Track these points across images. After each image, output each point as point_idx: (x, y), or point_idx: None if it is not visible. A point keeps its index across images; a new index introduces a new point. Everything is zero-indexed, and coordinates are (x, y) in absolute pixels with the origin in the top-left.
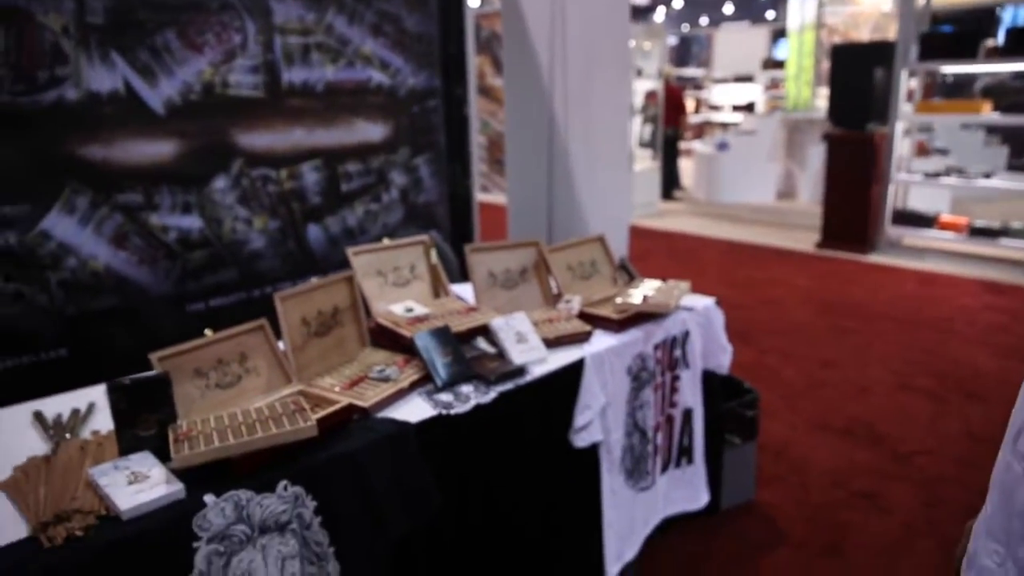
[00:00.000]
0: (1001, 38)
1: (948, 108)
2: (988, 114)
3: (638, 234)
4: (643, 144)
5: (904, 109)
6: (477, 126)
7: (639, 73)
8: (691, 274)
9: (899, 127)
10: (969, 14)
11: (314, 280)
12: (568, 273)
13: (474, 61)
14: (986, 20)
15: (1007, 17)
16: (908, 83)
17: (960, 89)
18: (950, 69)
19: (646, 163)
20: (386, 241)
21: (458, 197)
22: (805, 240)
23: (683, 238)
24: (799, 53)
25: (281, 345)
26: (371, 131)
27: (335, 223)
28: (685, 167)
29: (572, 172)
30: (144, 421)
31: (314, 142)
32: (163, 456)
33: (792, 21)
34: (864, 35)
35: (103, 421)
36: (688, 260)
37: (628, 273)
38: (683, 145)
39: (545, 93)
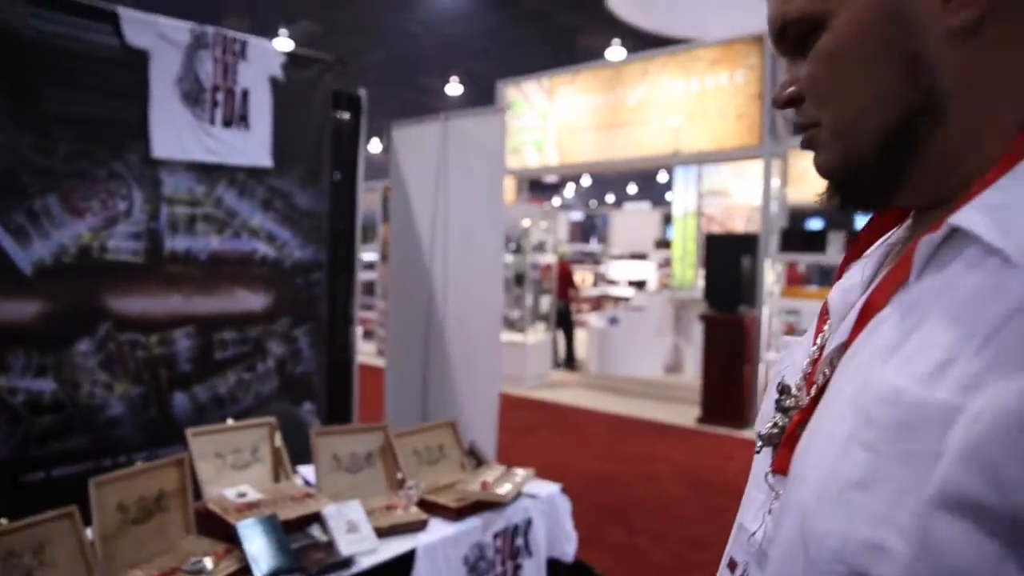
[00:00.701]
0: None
1: (807, 295)
2: None
3: (527, 406)
4: (540, 317)
5: (774, 292)
6: (380, 292)
7: (534, 249)
8: (575, 448)
9: (766, 311)
10: (805, 211)
11: (139, 464)
12: (414, 458)
13: (381, 230)
14: (840, 216)
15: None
16: (774, 269)
17: (830, 274)
18: (811, 259)
19: (539, 335)
20: (230, 422)
21: (338, 369)
22: (687, 414)
23: (571, 411)
24: (683, 237)
25: (91, 533)
26: (252, 300)
27: (204, 391)
28: (580, 339)
29: (447, 345)
30: None
31: (191, 309)
32: None
33: (677, 208)
34: (739, 225)
35: None
36: (573, 434)
37: (476, 458)
38: (580, 317)
39: (426, 269)
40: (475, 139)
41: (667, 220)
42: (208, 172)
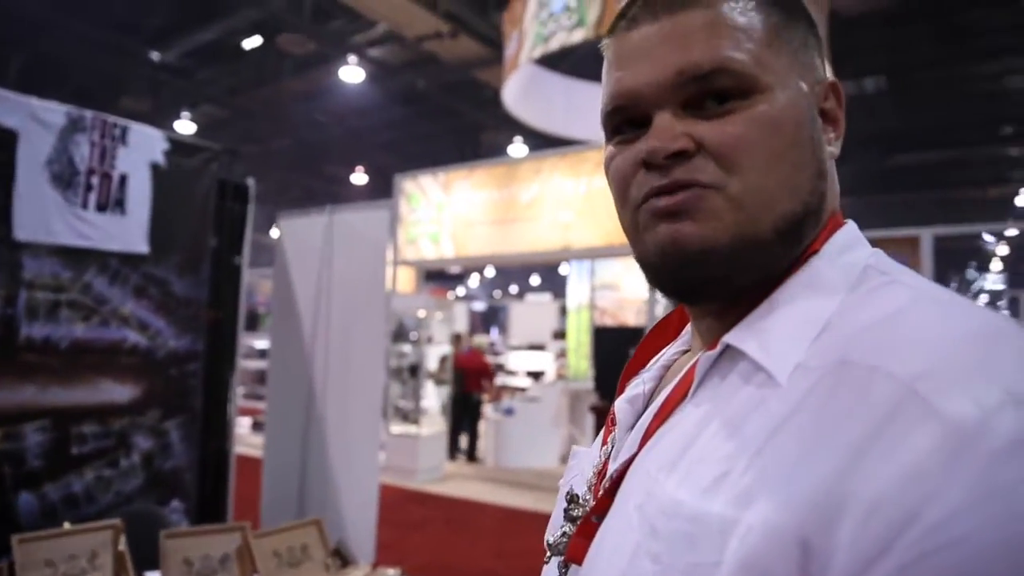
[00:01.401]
0: None
1: None
2: None
3: (419, 500)
4: (443, 407)
5: None
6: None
7: (430, 339)
8: (464, 543)
9: None
10: None
11: None
12: (274, 560)
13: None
14: None
15: None
16: None
17: None
18: None
19: (434, 427)
20: (67, 526)
21: (214, 463)
22: None
23: (465, 504)
24: (577, 329)
25: None
26: (117, 392)
27: (56, 490)
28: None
29: (327, 437)
30: None
31: (46, 401)
32: None
33: (571, 301)
34: (630, 318)
35: None
36: (464, 528)
37: (343, 558)
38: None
39: (307, 360)
40: (359, 233)
41: (564, 312)
42: (76, 257)
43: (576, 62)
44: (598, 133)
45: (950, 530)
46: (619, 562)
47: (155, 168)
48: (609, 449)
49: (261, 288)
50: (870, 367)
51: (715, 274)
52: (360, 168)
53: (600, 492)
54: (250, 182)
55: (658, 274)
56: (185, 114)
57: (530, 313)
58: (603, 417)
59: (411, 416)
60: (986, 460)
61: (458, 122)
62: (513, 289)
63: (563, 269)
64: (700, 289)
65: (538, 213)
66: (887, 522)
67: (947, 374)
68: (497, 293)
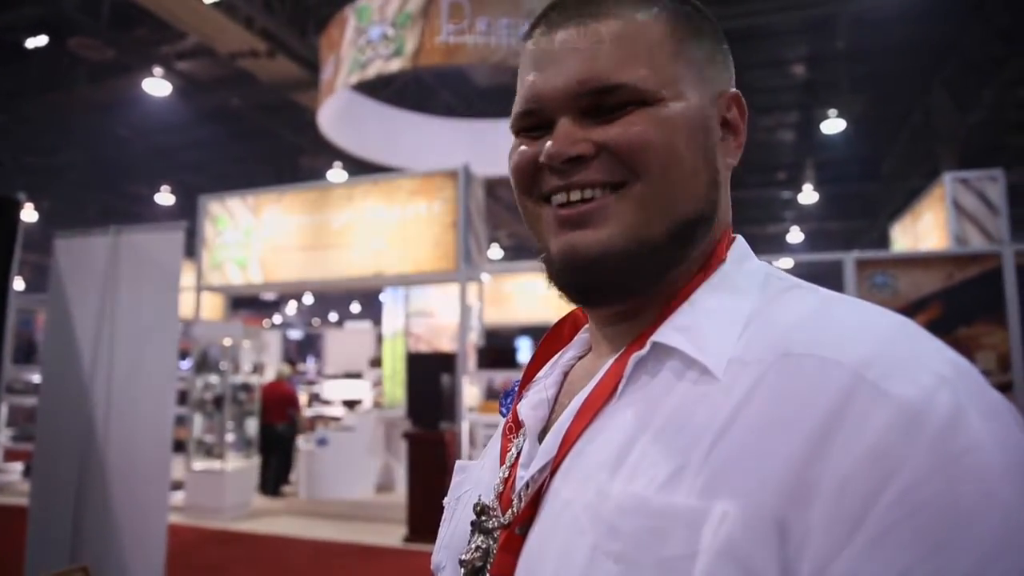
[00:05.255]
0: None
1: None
2: None
3: (223, 540)
4: (245, 441)
5: (473, 408)
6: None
7: (260, 370)
8: None
9: (465, 426)
10: (511, 330)
11: None
12: None
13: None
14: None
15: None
16: (475, 385)
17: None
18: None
19: (241, 462)
20: None
21: None
22: (396, 533)
23: (274, 542)
24: (393, 356)
25: None
26: None
27: None
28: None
29: (108, 475)
30: None
31: None
32: None
33: (387, 328)
34: (445, 344)
35: None
36: (270, 567)
37: None
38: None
39: (85, 392)
40: (150, 256)
41: (381, 339)
42: None
43: (395, 91)
44: (414, 161)
45: (913, 498)
46: (574, 568)
47: None
48: (514, 456)
49: (41, 316)
50: (818, 357)
51: (611, 277)
52: (166, 188)
53: (515, 500)
54: (21, 196)
55: (560, 276)
56: None
57: (347, 341)
58: (417, 444)
59: (215, 451)
60: (934, 434)
61: (275, 144)
62: (333, 317)
63: (385, 296)
64: (597, 291)
65: (350, 240)
66: (858, 498)
67: (886, 362)
68: (316, 321)
